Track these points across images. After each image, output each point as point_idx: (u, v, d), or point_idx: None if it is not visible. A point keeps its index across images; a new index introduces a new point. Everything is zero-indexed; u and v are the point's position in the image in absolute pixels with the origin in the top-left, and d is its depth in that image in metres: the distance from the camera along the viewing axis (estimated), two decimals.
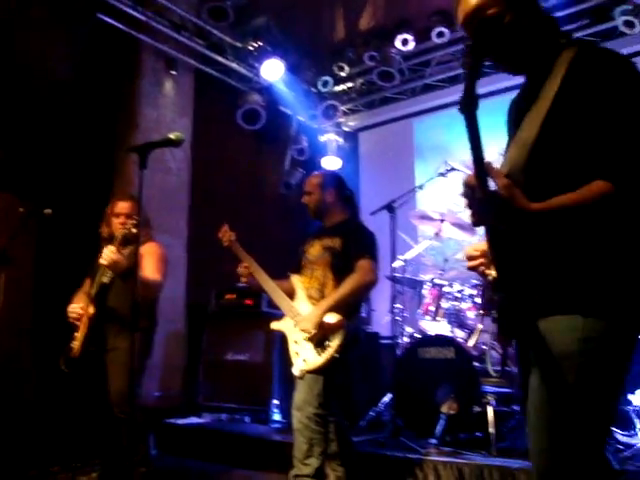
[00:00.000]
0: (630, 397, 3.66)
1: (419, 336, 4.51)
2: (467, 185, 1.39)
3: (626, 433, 3.48)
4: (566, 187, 1.42)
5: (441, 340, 4.11)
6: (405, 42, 6.14)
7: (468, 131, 1.26)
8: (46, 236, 4.61)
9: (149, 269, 3.26)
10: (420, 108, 7.26)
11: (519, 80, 1.74)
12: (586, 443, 1.44)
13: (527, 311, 1.52)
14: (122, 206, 3.38)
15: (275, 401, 4.88)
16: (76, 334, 3.22)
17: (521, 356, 1.70)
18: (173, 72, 5.79)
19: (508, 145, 1.70)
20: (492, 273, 1.61)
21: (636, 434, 3.43)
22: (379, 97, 7.32)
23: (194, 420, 5.05)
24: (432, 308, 4.42)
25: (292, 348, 3.03)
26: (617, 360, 1.45)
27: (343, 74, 6.87)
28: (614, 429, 3.40)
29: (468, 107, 1.24)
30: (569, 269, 1.47)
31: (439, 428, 3.72)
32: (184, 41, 5.80)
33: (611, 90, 1.42)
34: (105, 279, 3.22)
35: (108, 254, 3.03)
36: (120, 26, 5.27)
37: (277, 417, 4.87)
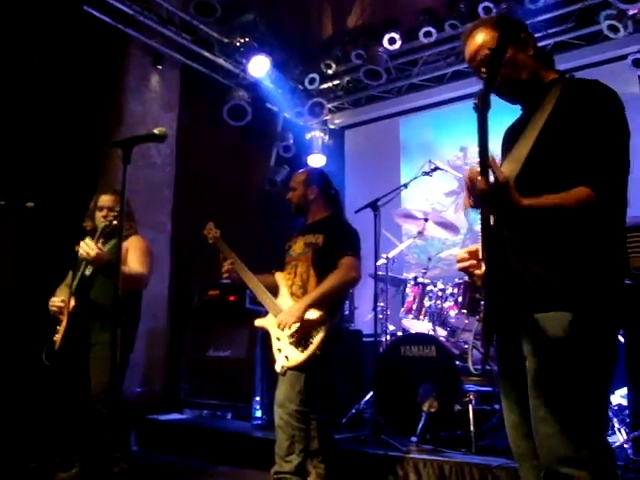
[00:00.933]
0: (610, 397, 3.70)
1: (401, 334, 4.54)
2: (470, 176, 1.53)
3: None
4: (552, 193, 1.64)
5: (423, 338, 4.14)
6: (392, 41, 6.15)
7: (479, 128, 1.48)
8: (27, 230, 4.58)
9: (134, 262, 3.25)
10: (406, 107, 7.29)
11: None
12: (587, 425, 1.60)
13: (518, 305, 1.70)
14: (105, 199, 3.35)
15: (257, 398, 4.88)
16: (58, 327, 3.18)
17: (502, 352, 1.86)
18: (159, 67, 5.77)
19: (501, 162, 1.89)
20: (479, 273, 1.76)
21: (614, 433, 3.47)
22: (365, 95, 7.33)
23: (176, 416, 5.04)
24: (414, 306, 4.44)
25: (275, 345, 3.03)
26: (598, 348, 1.64)
27: (330, 72, 6.86)
28: None
29: (483, 108, 1.46)
30: (555, 268, 1.67)
31: (420, 426, 3.75)
32: (171, 36, 5.77)
33: (593, 114, 1.66)
34: (87, 272, 3.18)
35: (85, 247, 2.99)
36: (107, 19, 5.23)
37: (259, 414, 4.87)
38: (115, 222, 3.12)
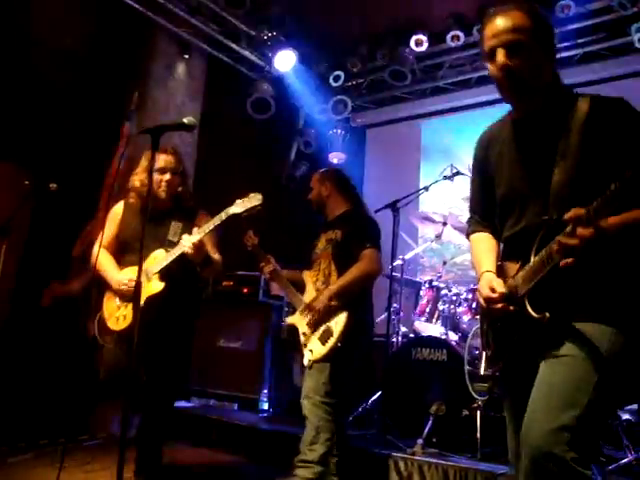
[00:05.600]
0: (619, 413, 3.68)
1: (413, 336, 4.53)
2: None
3: (612, 448, 3.49)
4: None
5: (434, 342, 4.13)
6: (419, 43, 6.13)
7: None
8: (44, 210, 4.61)
9: (210, 247, 3.05)
10: (429, 110, 7.26)
11: None
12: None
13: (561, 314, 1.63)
14: (167, 160, 3.01)
15: (265, 390, 4.90)
16: (118, 305, 2.97)
17: (508, 379, 1.85)
18: (186, 56, 5.79)
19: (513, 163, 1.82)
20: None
21: (622, 450, 3.44)
22: (389, 95, 7.32)
23: (182, 404, 5.07)
24: (428, 309, 4.43)
25: (302, 340, 3.15)
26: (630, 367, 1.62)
27: (355, 70, 6.85)
28: (601, 443, 3.42)
29: None
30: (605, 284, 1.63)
31: (427, 429, 3.74)
32: (199, 25, 5.79)
33: (633, 126, 1.62)
34: (171, 258, 2.88)
35: (191, 241, 2.76)
36: (136, 6, 5.26)
37: (265, 406, 4.89)
38: (191, 203, 3.08)
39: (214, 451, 4.23)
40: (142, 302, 2.64)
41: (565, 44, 5.75)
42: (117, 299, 3.00)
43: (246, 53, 6.37)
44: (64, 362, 3.99)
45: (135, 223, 3.00)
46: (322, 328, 3.04)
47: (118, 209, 3.16)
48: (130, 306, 2.85)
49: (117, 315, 2.96)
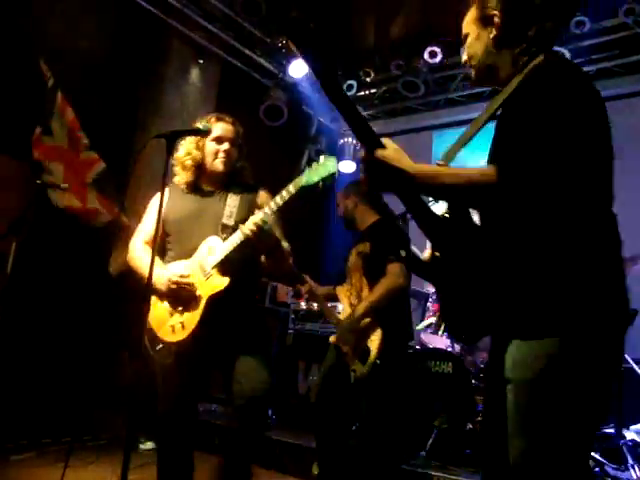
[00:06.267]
0: (624, 432, 3.66)
1: (419, 348, 4.52)
2: (361, 158, 1.51)
3: (617, 467, 3.47)
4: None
5: (441, 354, 4.11)
6: (433, 54, 6.15)
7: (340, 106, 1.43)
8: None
9: (277, 233, 2.63)
10: (441, 122, 7.28)
11: None
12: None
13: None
14: (227, 129, 2.60)
15: None
16: (170, 312, 2.42)
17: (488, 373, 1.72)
18: (200, 61, 5.82)
19: None
20: None
21: (627, 469, 3.42)
22: (401, 106, 7.33)
23: None
24: (434, 321, 4.42)
25: (346, 360, 3.11)
26: (577, 379, 1.39)
27: (368, 80, 6.87)
28: (606, 462, 3.39)
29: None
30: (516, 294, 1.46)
31: (430, 441, 3.73)
32: (215, 31, 5.82)
33: (538, 100, 1.42)
34: (230, 246, 2.39)
35: (253, 223, 2.29)
36: (153, 10, 5.30)
37: (268, 413, 4.88)
38: (250, 181, 2.62)
39: (216, 456, 4.22)
40: (203, 305, 2.34)
41: (579, 60, 5.75)
42: (166, 303, 2.45)
43: (260, 60, 6.40)
44: (68, 361, 4.00)
45: (186, 204, 2.54)
46: (361, 347, 3.02)
47: (155, 200, 2.60)
48: (187, 311, 2.38)
49: (171, 323, 2.41)
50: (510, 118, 1.52)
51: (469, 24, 1.76)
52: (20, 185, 4.12)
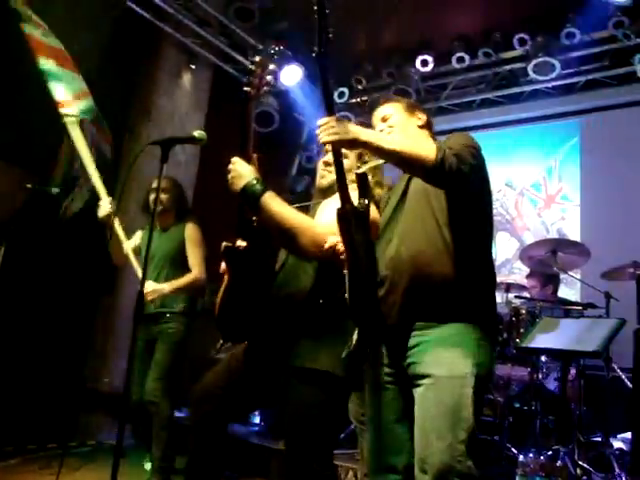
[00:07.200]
0: (611, 441, 3.67)
1: None
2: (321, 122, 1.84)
3: (604, 476, 3.48)
4: None
5: None
6: (425, 63, 6.18)
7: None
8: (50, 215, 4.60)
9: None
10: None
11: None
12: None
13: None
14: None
15: None
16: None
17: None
18: (192, 66, 5.82)
19: None
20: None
21: (614, 478, 3.43)
22: None
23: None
24: None
25: None
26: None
27: (360, 87, 6.89)
28: (593, 471, 3.41)
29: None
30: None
31: None
32: (207, 37, 5.83)
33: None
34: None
35: None
36: (145, 15, 5.30)
37: (257, 420, 4.87)
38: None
39: None
40: None
41: (569, 71, 5.81)
42: None
43: (253, 66, 6.39)
44: (54, 366, 3.97)
45: None
46: None
47: None
48: None
49: None
50: None
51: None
52: (10, 189, 4.09)
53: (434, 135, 2.25)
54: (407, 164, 1.81)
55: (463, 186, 1.80)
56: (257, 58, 2.32)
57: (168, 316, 3.50)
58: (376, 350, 1.93)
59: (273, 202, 2.03)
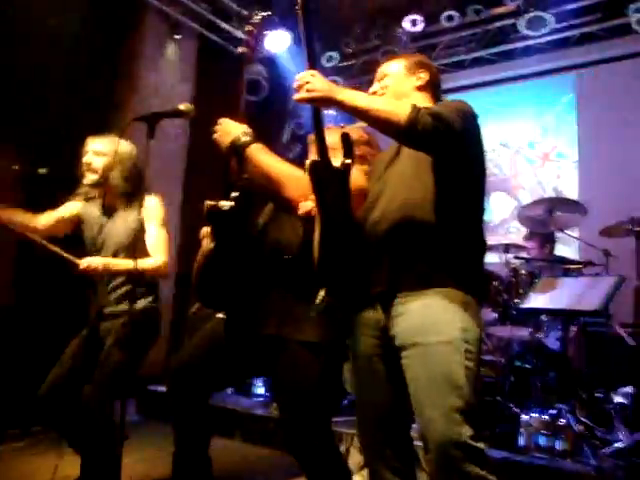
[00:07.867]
0: (612, 395, 3.69)
1: None
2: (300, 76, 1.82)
3: (605, 430, 3.50)
4: None
5: None
6: (414, 23, 6.05)
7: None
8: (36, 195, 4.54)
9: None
10: None
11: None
12: None
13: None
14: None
15: None
16: None
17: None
18: (177, 36, 5.68)
19: None
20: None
21: (615, 432, 3.45)
22: None
23: None
24: None
25: None
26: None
27: (350, 50, 6.76)
28: (595, 426, 3.43)
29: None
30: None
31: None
32: (190, 5, 5.68)
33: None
34: None
35: None
36: None
37: (260, 390, 4.89)
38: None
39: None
40: None
41: (562, 25, 5.69)
42: None
43: (238, 33, 6.26)
44: (58, 348, 3.92)
45: None
46: None
47: None
48: None
49: None
50: None
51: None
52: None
53: (439, 95, 2.12)
54: (381, 124, 1.73)
55: (442, 147, 1.74)
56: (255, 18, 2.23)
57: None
58: (354, 321, 1.91)
59: (260, 152, 2.00)
